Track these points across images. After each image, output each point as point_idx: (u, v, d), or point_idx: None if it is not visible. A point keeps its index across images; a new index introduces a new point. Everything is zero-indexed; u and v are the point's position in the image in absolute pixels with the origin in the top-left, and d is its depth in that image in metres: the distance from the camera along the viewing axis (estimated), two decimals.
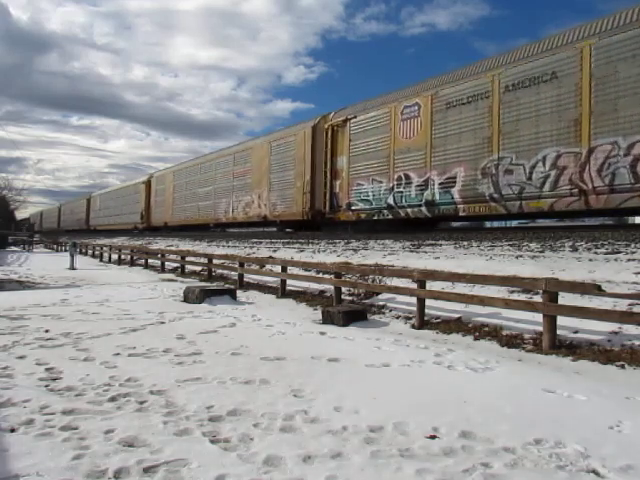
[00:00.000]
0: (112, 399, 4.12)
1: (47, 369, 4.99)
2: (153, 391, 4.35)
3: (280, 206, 18.82)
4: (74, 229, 54.64)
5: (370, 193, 14.61)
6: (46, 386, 4.45)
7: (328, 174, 16.32)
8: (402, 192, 13.50)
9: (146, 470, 2.90)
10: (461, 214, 12.07)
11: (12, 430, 3.42)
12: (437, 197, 12.50)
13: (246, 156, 21.55)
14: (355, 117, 15.36)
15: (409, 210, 13.38)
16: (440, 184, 12.42)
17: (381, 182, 14.23)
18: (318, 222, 17.43)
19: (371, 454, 3.14)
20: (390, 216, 14.01)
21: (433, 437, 3.40)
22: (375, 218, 14.59)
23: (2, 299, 10.25)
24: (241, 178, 21.71)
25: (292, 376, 4.86)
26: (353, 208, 15.28)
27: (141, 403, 4.04)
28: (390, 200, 13.86)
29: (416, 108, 13.23)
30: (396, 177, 13.67)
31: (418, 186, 13.02)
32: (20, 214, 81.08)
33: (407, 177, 13.37)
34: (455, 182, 12.03)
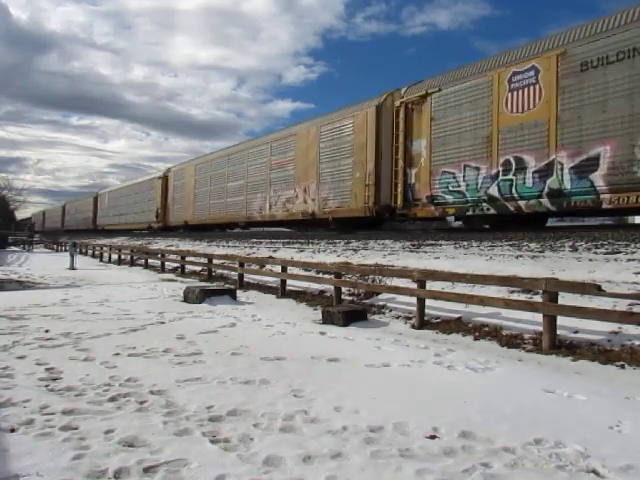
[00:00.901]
0: (112, 399, 4.12)
1: (47, 369, 4.99)
2: (153, 391, 4.35)
3: (333, 201, 16.17)
4: (79, 229, 51.95)
5: (462, 183, 12.08)
6: (46, 386, 4.45)
7: (400, 162, 13.70)
8: (511, 180, 11.04)
9: (146, 470, 2.90)
10: (605, 206, 9.54)
11: (12, 430, 3.42)
12: (567, 185, 10.04)
13: (287, 144, 18.76)
14: (439, 90, 12.69)
15: (522, 203, 10.87)
16: (572, 168, 9.97)
17: (478, 169, 11.75)
18: (384, 219, 15.20)
19: (371, 454, 3.14)
20: (492, 210, 11.55)
21: (433, 437, 3.40)
22: (469, 213, 12.16)
23: (2, 299, 10.25)
24: (281, 169, 19.02)
25: (292, 376, 4.86)
26: (437, 202, 12.71)
27: (141, 403, 4.04)
28: (493, 190, 11.37)
29: (532, 74, 10.73)
30: (502, 161, 11.23)
31: (537, 172, 10.57)
32: (20, 214, 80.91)
33: (519, 161, 10.92)
34: (597, 165, 9.59)
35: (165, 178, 31.11)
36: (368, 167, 14.66)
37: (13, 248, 37.86)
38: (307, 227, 18.93)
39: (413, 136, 13.54)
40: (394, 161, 13.94)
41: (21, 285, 14.09)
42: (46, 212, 77.67)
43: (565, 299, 6.37)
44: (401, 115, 13.83)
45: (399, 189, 13.79)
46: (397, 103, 13.99)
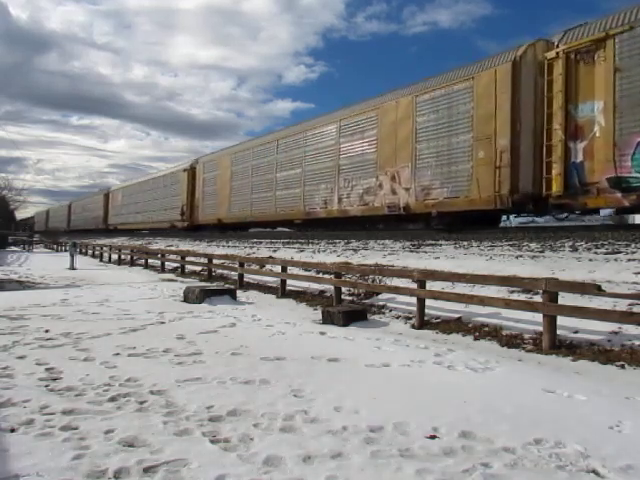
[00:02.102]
0: (112, 399, 4.12)
1: (47, 369, 4.99)
2: (153, 391, 4.35)
3: (439, 190, 12.75)
4: (88, 229, 48.18)
5: None
6: (46, 386, 4.45)
7: (559, 133, 10.34)
8: None
9: (146, 470, 2.90)
10: None
11: (12, 430, 3.42)
12: None
13: (365, 122, 15.38)
14: (630, 29, 9.25)
15: None
16: None
17: None
18: (526, 211, 12.16)
19: (371, 454, 3.13)
20: None
21: (433, 437, 3.40)
22: None
23: (2, 299, 10.24)
24: (355, 153, 15.65)
25: (292, 376, 4.86)
26: (627, 186, 9.34)
27: (141, 403, 4.04)
28: None
29: None
30: None
31: None
32: (20, 214, 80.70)
33: None
34: None
35: (192, 170, 27.36)
36: (499, 143, 11.29)
37: (13, 248, 37.89)
38: (396, 224, 15.20)
39: (579, 97, 10.14)
40: (545, 133, 10.66)
41: (21, 285, 14.08)
42: (50, 211, 73.45)
43: (565, 299, 6.37)
44: (558, 70, 10.41)
45: (556, 170, 10.32)
46: (550, 54, 10.63)
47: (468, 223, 12.88)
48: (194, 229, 27.12)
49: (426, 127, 13.31)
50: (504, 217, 13.43)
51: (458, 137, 12.42)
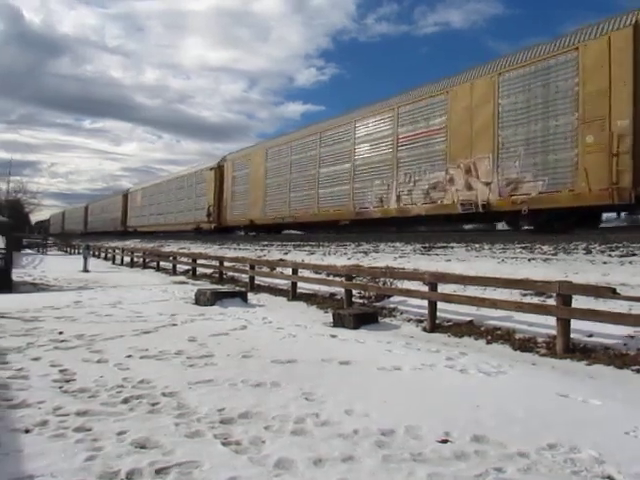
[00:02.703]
0: (125, 401, 4.15)
1: (61, 371, 5.04)
2: (165, 393, 4.37)
3: (532, 183, 11.06)
4: (106, 231, 46.82)
5: None
6: (60, 387, 4.49)
7: None
8: None
9: (158, 472, 2.91)
10: None
11: (27, 431, 3.46)
12: None
13: (431, 107, 13.66)
14: None
15: None
16: None
17: None
18: None
19: (383, 458, 3.12)
20: None
21: (445, 441, 3.38)
22: None
23: (17, 301, 10.38)
24: (418, 144, 13.89)
25: (303, 379, 4.86)
26: None
27: (153, 405, 4.06)
28: None
29: None
30: None
31: None
32: (35, 217, 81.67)
33: None
34: None
35: (219, 169, 25.74)
36: (617, 125, 9.57)
37: (28, 251, 38.34)
38: (464, 224, 13.77)
39: None
40: None
41: (35, 287, 14.25)
42: (66, 213, 72.04)
43: (579, 302, 6.30)
44: None
45: None
46: None
47: (571, 222, 11.00)
48: (222, 231, 25.61)
49: (512, 110, 11.51)
50: (608, 215, 12.05)
51: (557, 120, 10.63)
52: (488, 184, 11.94)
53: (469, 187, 12.43)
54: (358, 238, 15.85)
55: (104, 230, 47.82)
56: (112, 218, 45.59)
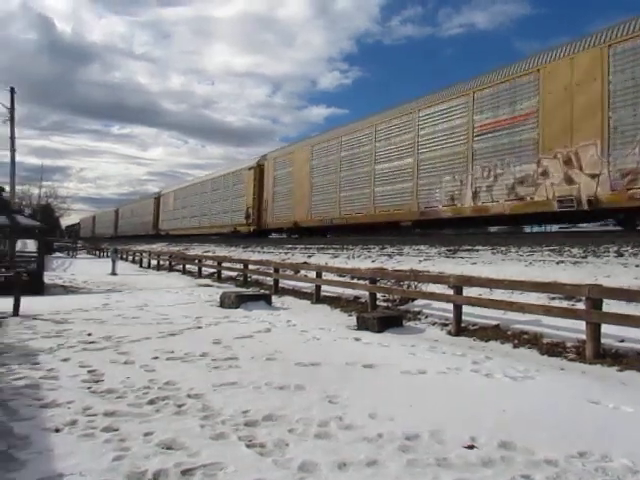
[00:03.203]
0: (151, 402, 4.21)
1: (90, 371, 5.15)
2: (190, 395, 4.42)
3: None
4: (137, 234, 45.70)
5: None
6: (88, 388, 4.59)
7: None
8: None
9: (184, 473, 2.94)
10: None
11: (57, 430, 3.54)
12: None
13: (515, 91, 12.00)
14: None
15: None
16: None
17: None
18: None
19: (407, 462, 3.09)
20: None
21: (471, 447, 3.33)
22: None
23: (48, 303, 10.66)
24: (501, 133, 12.19)
25: (327, 382, 4.85)
26: None
27: (179, 406, 4.11)
28: None
29: None
30: None
31: None
32: (64, 221, 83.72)
33: None
34: None
35: (259, 168, 24.30)
36: None
37: (58, 254, 39.31)
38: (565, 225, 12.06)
39: None
40: None
41: (65, 290, 14.61)
42: (96, 217, 71.61)
43: (610, 306, 6.14)
44: None
45: None
46: None
47: None
48: (261, 234, 24.16)
49: (630, 87, 9.77)
50: None
51: None
52: (595, 176, 10.20)
53: (569, 180, 10.66)
54: (382, 241, 15.73)
55: (135, 234, 46.87)
56: (143, 222, 44.71)
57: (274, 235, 24.69)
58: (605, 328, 5.93)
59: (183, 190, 36.52)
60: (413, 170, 14.70)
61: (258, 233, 24.21)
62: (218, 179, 29.83)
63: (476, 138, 12.76)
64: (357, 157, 17.25)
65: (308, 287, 12.42)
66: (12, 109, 25.16)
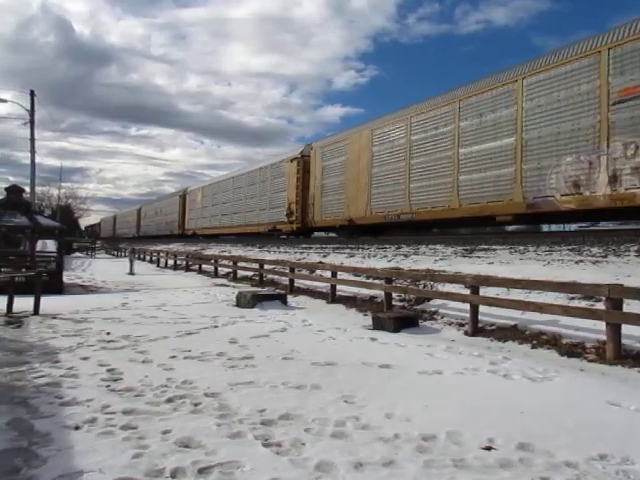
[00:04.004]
0: (169, 400, 4.26)
1: (108, 370, 5.22)
2: (207, 393, 4.46)
3: None
4: (161, 234, 43.44)
5: None
6: (107, 386, 4.65)
7: None
8: None
9: (201, 471, 2.97)
10: None
11: (77, 428, 3.60)
12: None
13: None
14: None
15: None
16: None
17: None
18: None
19: (424, 463, 3.07)
20: None
21: (489, 448, 3.30)
22: None
23: (67, 303, 10.83)
24: None
25: (343, 382, 4.85)
26: None
27: (196, 405, 4.15)
28: None
29: None
30: None
31: None
32: (84, 221, 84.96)
33: None
34: None
35: (303, 160, 21.70)
36: None
37: (77, 254, 39.92)
38: None
39: None
40: None
41: (84, 289, 14.84)
42: (117, 217, 69.66)
43: (631, 307, 6.03)
44: None
45: None
46: None
47: None
48: (306, 233, 21.86)
49: None
50: None
51: None
52: None
53: None
54: (398, 241, 15.65)
55: (159, 234, 44.36)
56: (168, 221, 42.44)
57: (316, 234, 22.32)
58: (626, 329, 5.83)
59: (213, 186, 33.72)
60: (514, 152, 12.01)
61: (302, 232, 21.83)
62: (254, 173, 27.04)
63: (615, 107, 9.98)
64: (434, 140, 14.43)
65: (323, 287, 12.42)
66: (32, 112, 25.61)
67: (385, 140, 16.55)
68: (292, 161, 22.40)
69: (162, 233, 43.41)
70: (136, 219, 55.21)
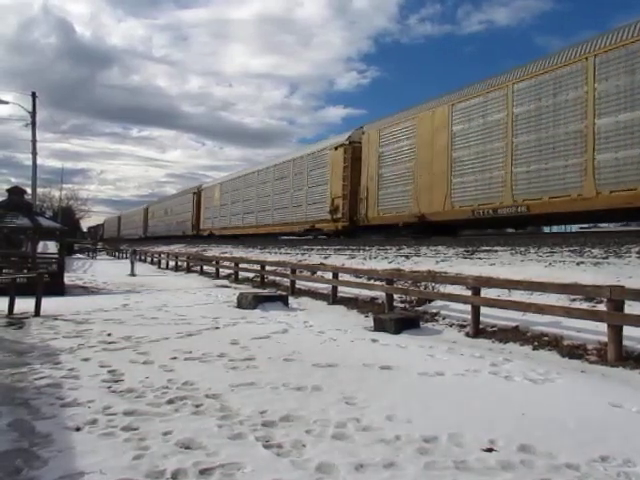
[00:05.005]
0: (170, 402, 4.25)
1: (109, 371, 5.22)
2: (208, 395, 4.45)
3: None
4: (172, 235, 39.89)
5: None
6: (108, 387, 4.65)
7: None
8: None
9: (202, 472, 2.97)
10: None
11: (78, 429, 3.60)
12: None
13: None
14: None
15: None
16: None
17: None
18: None
19: (425, 465, 3.07)
20: None
21: (490, 450, 3.29)
22: None
23: (69, 304, 10.84)
24: None
25: (344, 383, 4.85)
26: None
27: (197, 406, 4.15)
28: None
29: None
30: None
31: None
32: (85, 222, 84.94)
33: None
34: None
35: (351, 147, 18.34)
36: None
37: (78, 255, 39.95)
38: None
39: None
40: None
41: (86, 290, 14.85)
42: (122, 217, 65.51)
43: (632, 308, 6.02)
44: None
45: None
46: None
47: None
48: (354, 232, 18.51)
49: None
50: None
51: None
52: None
53: None
54: (399, 242, 15.63)
55: (169, 235, 40.84)
56: (179, 221, 39.08)
57: (368, 235, 18.49)
58: (627, 330, 5.82)
59: (233, 182, 29.99)
60: None
61: (352, 232, 18.50)
62: (285, 164, 23.46)
63: None
64: (550, 112, 11.12)
65: (325, 288, 12.41)
66: (34, 113, 25.63)
67: (473, 116, 13.26)
68: (337, 149, 18.82)
69: (173, 234, 39.92)
70: (143, 219, 51.52)
